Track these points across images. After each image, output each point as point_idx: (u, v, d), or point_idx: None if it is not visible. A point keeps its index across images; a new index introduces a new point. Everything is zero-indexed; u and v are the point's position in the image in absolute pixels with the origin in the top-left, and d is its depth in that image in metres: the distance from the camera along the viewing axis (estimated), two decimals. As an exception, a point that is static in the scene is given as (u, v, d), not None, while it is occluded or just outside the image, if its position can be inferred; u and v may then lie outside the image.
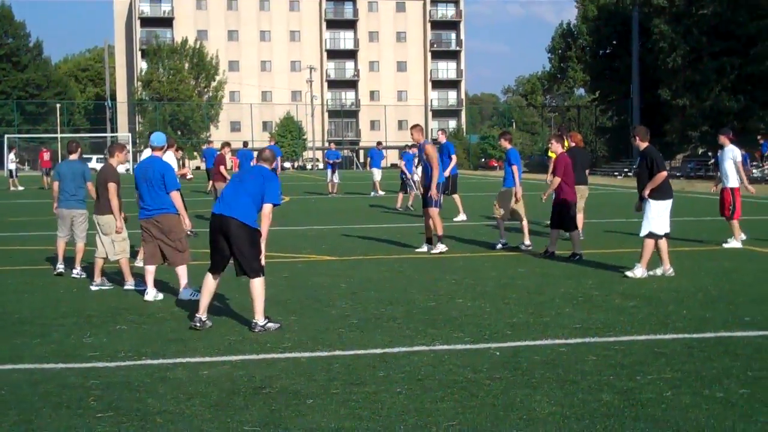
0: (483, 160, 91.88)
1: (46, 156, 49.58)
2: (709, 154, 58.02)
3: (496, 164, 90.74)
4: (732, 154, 17.54)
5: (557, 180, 15.68)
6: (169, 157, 15.18)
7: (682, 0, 62.89)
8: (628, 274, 13.32)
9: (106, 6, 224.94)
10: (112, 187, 12.73)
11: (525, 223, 17.52)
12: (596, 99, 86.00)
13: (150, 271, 11.90)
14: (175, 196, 11.83)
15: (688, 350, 8.68)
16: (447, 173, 21.93)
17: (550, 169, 16.77)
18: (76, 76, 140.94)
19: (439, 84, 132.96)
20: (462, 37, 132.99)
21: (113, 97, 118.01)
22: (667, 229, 13.52)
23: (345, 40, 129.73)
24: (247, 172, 10.09)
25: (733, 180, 17.57)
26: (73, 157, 14.23)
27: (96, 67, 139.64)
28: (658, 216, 13.36)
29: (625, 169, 64.55)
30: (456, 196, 24.13)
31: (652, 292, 12.01)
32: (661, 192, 13.35)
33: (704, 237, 19.06)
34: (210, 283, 9.91)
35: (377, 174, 38.29)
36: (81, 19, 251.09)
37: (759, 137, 49.74)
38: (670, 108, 65.07)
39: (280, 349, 8.86)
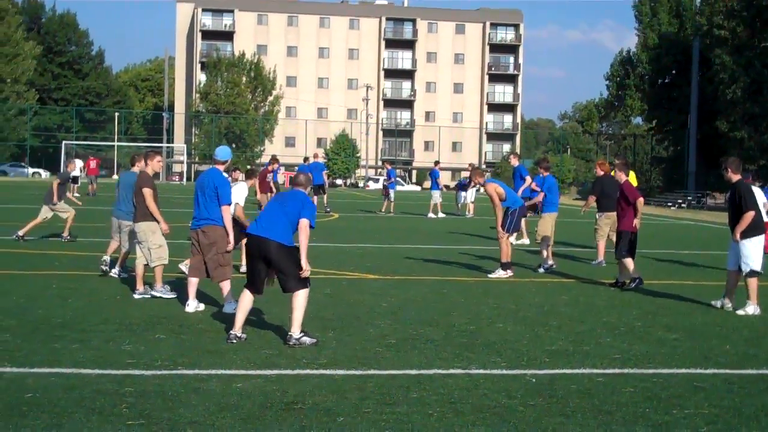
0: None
1: (93, 164, 50.03)
2: (766, 188, 57.25)
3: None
4: None
5: (642, 201, 15.40)
6: (241, 187, 15.15)
7: (745, 32, 62.26)
8: (740, 312, 13.11)
9: (168, 18, 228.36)
10: (147, 192, 12.78)
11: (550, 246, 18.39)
12: (653, 128, 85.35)
13: (192, 283, 11.94)
14: (225, 210, 11.79)
15: (728, 386, 8.53)
16: (520, 193, 22.08)
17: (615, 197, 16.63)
18: (135, 85, 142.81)
19: (495, 107, 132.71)
20: (520, 61, 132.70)
21: (171, 108, 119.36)
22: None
23: (403, 59, 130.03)
24: (286, 195, 10.16)
25: None
26: (134, 168, 14.27)
27: (156, 77, 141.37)
28: (756, 254, 13.15)
29: (679, 200, 63.91)
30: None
31: (696, 326, 11.84)
32: (753, 229, 13.10)
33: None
34: (246, 301, 9.96)
35: (437, 196, 37.25)
36: (143, 30, 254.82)
37: None
38: (727, 140, 64.34)
39: (315, 366, 8.85)
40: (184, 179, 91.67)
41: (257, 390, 7.86)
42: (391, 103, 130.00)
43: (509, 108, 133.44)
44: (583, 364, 9.31)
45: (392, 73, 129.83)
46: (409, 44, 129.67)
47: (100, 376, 8.22)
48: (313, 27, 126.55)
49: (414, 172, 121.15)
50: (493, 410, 7.42)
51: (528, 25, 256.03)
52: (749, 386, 8.55)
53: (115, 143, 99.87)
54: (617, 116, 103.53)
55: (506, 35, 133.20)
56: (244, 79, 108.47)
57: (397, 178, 38.53)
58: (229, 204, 11.91)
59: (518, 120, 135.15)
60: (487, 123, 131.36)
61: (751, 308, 13.13)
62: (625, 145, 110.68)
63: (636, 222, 15.38)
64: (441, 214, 36.36)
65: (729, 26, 62.84)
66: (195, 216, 11.88)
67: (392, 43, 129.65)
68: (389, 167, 41.25)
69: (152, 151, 13.86)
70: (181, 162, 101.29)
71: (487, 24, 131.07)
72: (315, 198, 35.09)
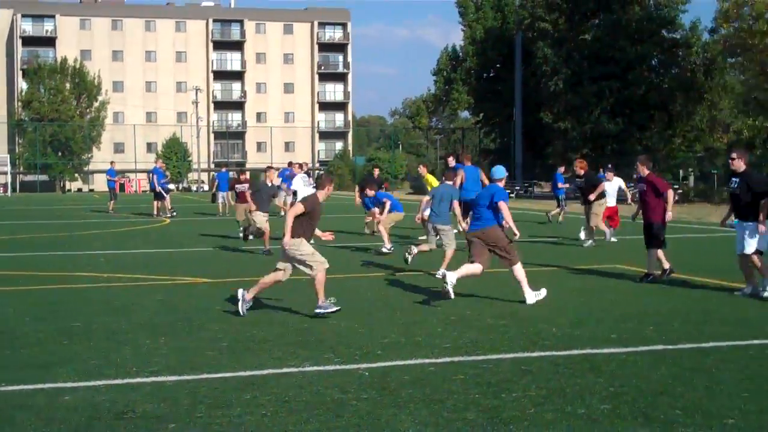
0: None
1: None
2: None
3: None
4: None
5: (672, 194, 15.25)
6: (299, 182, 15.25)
7: (565, 24, 64.26)
8: (765, 294, 13.26)
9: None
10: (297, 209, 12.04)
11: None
12: (480, 121, 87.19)
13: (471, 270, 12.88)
14: (503, 206, 12.90)
15: (554, 367, 8.79)
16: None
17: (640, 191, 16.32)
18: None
19: (327, 106, 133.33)
20: (349, 59, 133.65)
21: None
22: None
23: (232, 61, 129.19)
24: None
25: None
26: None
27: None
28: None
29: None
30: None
31: (524, 311, 12.15)
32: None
33: (586, 258, 19.38)
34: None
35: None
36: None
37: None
38: (551, 131, 66.29)
39: (146, 373, 8.68)
40: (9, 191, 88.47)
41: (85, 402, 7.66)
42: (221, 105, 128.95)
43: (340, 106, 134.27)
44: (415, 354, 9.42)
45: (221, 75, 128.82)
46: (238, 45, 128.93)
47: None
48: (139, 30, 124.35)
49: (248, 174, 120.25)
50: (326, 406, 7.44)
51: (355, 24, 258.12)
52: (574, 366, 8.83)
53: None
54: (445, 110, 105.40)
55: (334, 34, 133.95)
56: (68, 85, 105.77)
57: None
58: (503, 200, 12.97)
59: (350, 118, 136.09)
60: (319, 122, 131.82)
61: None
62: (454, 138, 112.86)
63: (669, 214, 15.18)
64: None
65: (550, 19, 64.78)
66: (473, 219, 13.31)
67: (220, 45, 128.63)
68: (224, 170, 41.47)
69: (328, 175, 13.59)
70: (5, 173, 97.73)
71: (315, 23, 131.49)
72: (156, 203, 35.58)
